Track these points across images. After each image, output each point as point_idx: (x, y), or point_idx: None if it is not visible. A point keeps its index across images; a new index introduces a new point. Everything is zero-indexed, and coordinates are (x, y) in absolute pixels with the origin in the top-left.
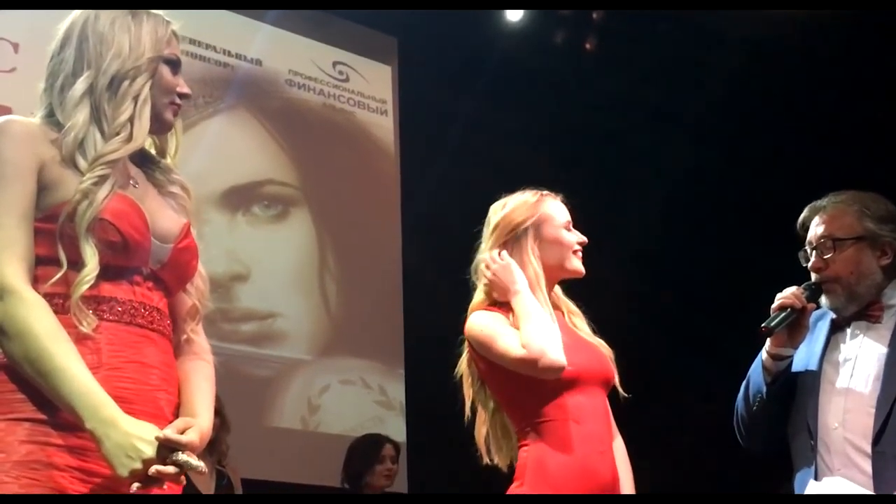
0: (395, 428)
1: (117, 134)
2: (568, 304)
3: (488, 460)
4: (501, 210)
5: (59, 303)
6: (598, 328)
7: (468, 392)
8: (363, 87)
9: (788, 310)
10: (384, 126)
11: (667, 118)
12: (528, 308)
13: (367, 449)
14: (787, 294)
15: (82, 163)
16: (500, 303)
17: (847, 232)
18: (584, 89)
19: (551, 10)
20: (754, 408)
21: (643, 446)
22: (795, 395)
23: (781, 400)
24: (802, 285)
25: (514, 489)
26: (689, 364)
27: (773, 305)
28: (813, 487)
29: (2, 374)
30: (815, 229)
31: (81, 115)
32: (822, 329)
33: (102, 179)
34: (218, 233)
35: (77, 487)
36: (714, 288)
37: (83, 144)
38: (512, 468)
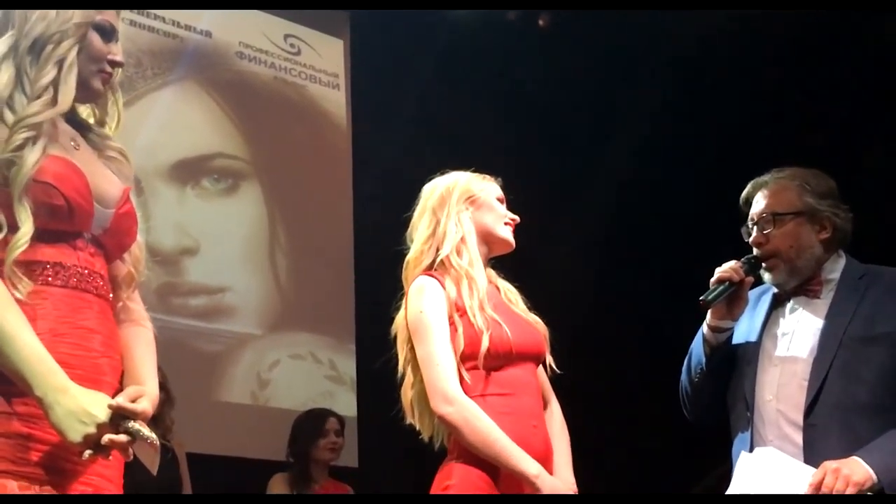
0: (346, 402)
1: (39, 97)
2: (504, 283)
3: (411, 421)
4: (433, 183)
5: (0, 269)
6: (553, 304)
7: (402, 349)
8: (315, 61)
9: (726, 283)
10: (336, 100)
11: (621, 92)
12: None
13: (310, 423)
14: (726, 268)
15: (10, 121)
16: (437, 266)
17: (787, 207)
18: (537, 64)
19: None
20: (696, 380)
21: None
22: (735, 367)
23: (722, 372)
24: (742, 259)
25: (447, 462)
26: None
27: (712, 279)
28: (745, 458)
29: None
30: (757, 205)
31: (5, 76)
32: (765, 303)
33: (28, 141)
34: (167, 206)
35: (26, 456)
36: (669, 265)
37: (10, 105)
38: (433, 439)
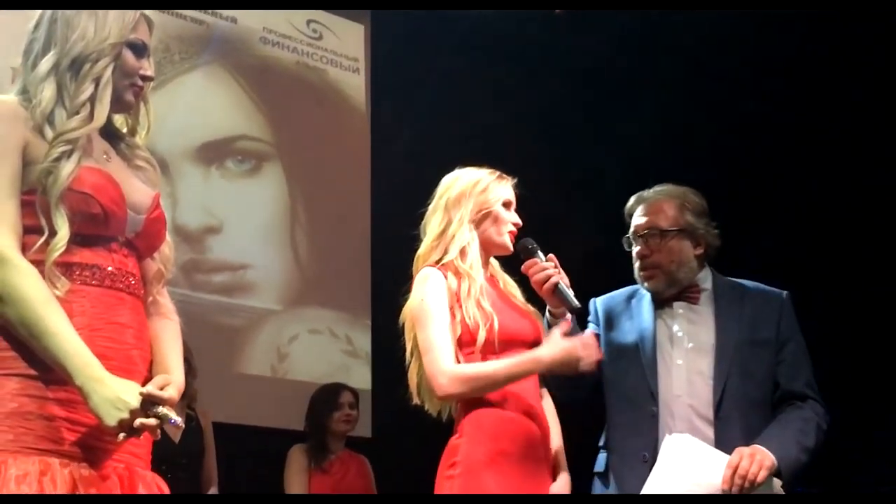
0: (361, 376)
1: (77, 113)
2: (504, 277)
3: (418, 402)
4: (451, 180)
5: (42, 269)
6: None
7: (409, 335)
8: (336, 45)
9: (558, 282)
10: (356, 84)
11: (640, 81)
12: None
13: (326, 397)
14: (546, 273)
15: (50, 135)
16: (443, 261)
17: (671, 224)
18: (557, 50)
19: None
20: None
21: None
22: (620, 362)
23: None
24: (528, 248)
25: (454, 441)
26: None
27: (548, 287)
28: (668, 441)
29: None
30: (641, 219)
31: (48, 92)
32: (644, 307)
33: (64, 155)
34: (192, 186)
35: (66, 436)
36: None
37: (50, 119)
38: (440, 415)
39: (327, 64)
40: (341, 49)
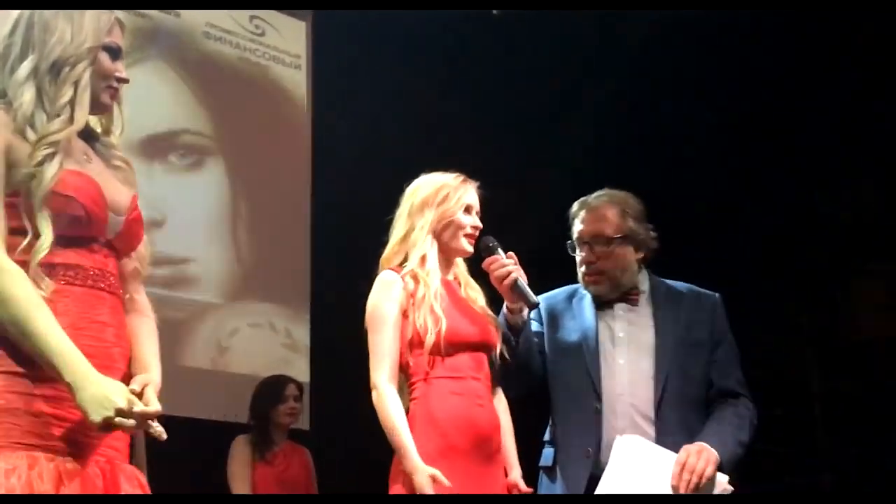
0: (300, 369)
1: (58, 115)
2: (468, 280)
3: None
4: (415, 187)
5: (27, 270)
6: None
7: None
8: (278, 42)
9: (518, 277)
10: (297, 80)
11: (586, 76)
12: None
13: (270, 389)
14: (506, 269)
15: (32, 139)
16: (404, 267)
17: (615, 231)
18: (499, 46)
19: None
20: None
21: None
22: (562, 359)
23: (532, 356)
24: (489, 246)
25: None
26: None
27: (508, 283)
28: (618, 443)
29: None
30: (584, 225)
31: (28, 95)
32: (585, 307)
33: (47, 158)
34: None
35: (52, 431)
36: None
37: (31, 122)
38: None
39: (269, 60)
40: (283, 45)
